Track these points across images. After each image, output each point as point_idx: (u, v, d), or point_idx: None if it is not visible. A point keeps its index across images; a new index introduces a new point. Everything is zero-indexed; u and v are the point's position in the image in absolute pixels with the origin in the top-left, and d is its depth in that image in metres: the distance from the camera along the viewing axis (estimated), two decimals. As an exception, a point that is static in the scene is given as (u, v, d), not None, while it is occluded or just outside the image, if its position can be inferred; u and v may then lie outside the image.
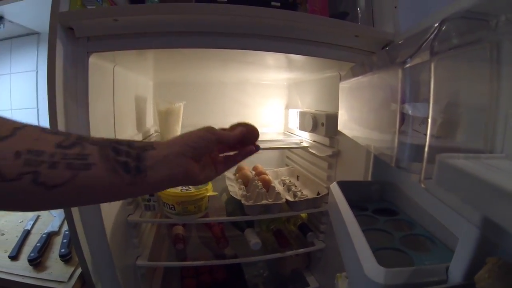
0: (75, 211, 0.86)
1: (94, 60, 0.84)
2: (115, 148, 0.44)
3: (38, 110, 1.85)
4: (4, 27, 1.57)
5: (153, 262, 1.20)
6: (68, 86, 0.82)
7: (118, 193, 0.45)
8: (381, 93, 0.62)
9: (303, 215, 1.33)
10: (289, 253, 1.21)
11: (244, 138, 0.61)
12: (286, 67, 1.24)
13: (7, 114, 1.48)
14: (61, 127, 0.81)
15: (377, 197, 0.87)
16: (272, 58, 1.05)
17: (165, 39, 0.83)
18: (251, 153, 0.64)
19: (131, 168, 0.44)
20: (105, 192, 0.43)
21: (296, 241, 1.33)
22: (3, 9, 1.44)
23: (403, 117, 0.52)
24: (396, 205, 0.82)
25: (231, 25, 0.83)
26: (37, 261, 0.99)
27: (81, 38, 0.82)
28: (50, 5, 1.33)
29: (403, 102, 0.51)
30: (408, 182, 0.79)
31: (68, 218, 0.86)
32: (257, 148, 0.65)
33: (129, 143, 0.47)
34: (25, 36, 1.87)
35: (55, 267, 0.98)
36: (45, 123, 1.77)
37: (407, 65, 0.50)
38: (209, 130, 0.56)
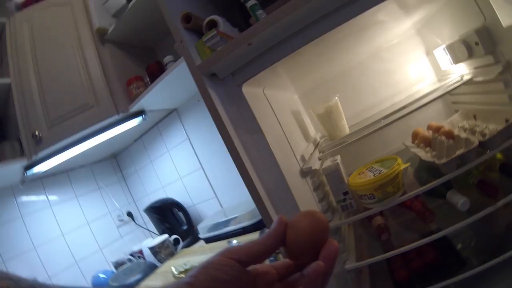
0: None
1: (246, 89, 0.95)
2: None
3: (203, 169, 2.14)
4: (147, 118, 1.86)
5: (362, 261, 1.19)
6: (236, 122, 0.93)
7: None
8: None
9: (498, 155, 1.18)
10: (500, 202, 1.04)
11: (297, 243, 0.41)
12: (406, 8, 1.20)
13: (179, 184, 1.92)
14: (245, 160, 0.91)
15: None
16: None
17: (299, 38, 0.89)
18: (317, 272, 0.39)
19: None
20: None
21: (501, 191, 1.16)
22: (142, 104, 1.72)
23: None
24: None
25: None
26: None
27: (226, 77, 0.94)
28: (174, 86, 1.66)
29: None
30: None
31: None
32: (331, 258, 0.40)
33: None
34: (167, 116, 2.21)
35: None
36: (214, 178, 2.05)
37: None
38: (224, 253, 0.41)
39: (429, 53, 1.62)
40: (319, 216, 0.43)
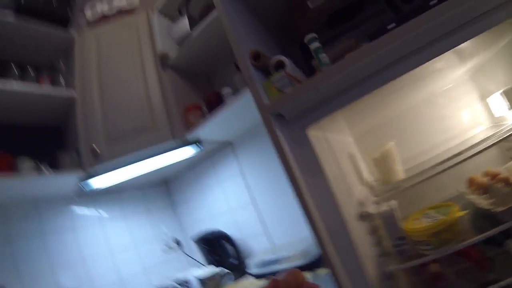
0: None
1: (311, 133, 1.00)
2: None
3: (255, 203, 2.16)
4: (203, 147, 1.93)
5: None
6: (300, 163, 0.98)
7: None
8: None
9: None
10: None
11: None
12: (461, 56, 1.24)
13: (227, 215, 1.99)
14: (309, 202, 0.95)
15: None
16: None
17: (364, 86, 0.94)
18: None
19: None
20: None
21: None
22: (198, 133, 1.79)
23: None
24: None
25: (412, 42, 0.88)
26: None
27: (291, 118, 0.99)
28: (231, 119, 1.74)
29: None
30: None
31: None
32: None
33: None
34: (221, 148, 2.28)
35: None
36: (265, 214, 2.08)
37: None
38: None
39: (483, 98, 1.61)
40: (297, 271, 0.62)
